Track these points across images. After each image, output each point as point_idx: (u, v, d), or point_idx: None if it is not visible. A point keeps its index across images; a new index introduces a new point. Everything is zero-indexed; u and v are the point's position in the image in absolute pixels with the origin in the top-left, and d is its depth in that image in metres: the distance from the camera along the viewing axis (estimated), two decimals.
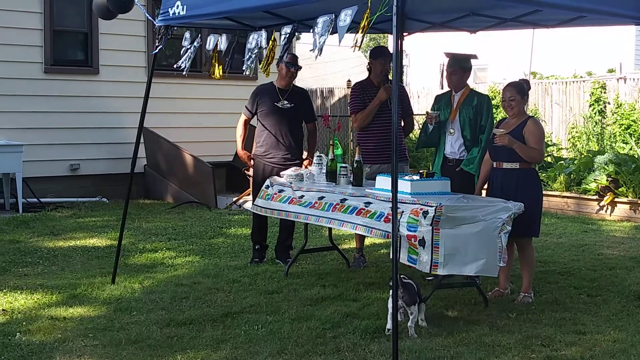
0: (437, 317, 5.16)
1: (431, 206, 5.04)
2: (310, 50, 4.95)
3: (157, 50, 6.11)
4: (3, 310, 5.32)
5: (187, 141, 11.33)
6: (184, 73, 6.06)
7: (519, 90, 5.79)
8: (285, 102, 6.81)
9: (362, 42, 4.65)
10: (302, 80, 23.76)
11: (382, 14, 4.31)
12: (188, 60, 6.12)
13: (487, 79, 17.89)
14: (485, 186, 6.04)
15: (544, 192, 10.65)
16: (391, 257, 4.38)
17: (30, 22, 10.61)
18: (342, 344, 4.58)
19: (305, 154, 7.12)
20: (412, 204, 5.19)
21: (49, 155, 10.82)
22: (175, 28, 6.05)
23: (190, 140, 11.42)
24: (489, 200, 5.52)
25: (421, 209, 5.09)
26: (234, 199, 10.65)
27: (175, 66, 6.11)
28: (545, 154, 12.34)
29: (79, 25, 11.16)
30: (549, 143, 13.22)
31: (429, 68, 19.97)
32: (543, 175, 11.23)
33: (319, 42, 4.80)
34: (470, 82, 6.61)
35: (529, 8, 5.83)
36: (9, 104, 10.46)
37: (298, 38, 16.10)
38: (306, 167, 6.75)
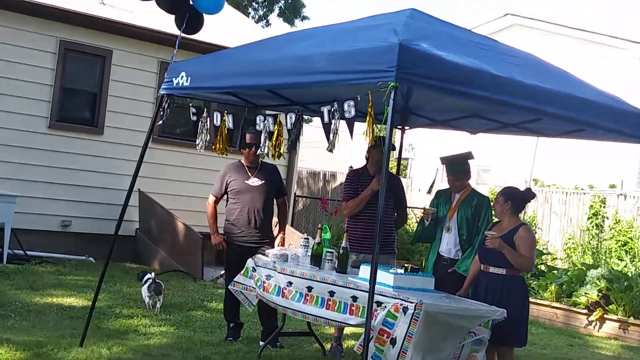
0: None
1: (411, 302, 4.93)
2: (328, 149, 4.92)
3: (162, 121, 6.10)
4: None
5: (182, 209, 11.30)
6: (200, 150, 6.13)
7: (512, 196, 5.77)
8: (256, 179, 6.74)
9: (372, 134, 4.62)
10: (310, 162, 23.83)
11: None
12: (203, 140, 6.11)
13: (489, 181, 17.92)
14: None
15: (533, 300, 10.64)
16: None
17: (42, 77, 10.73)
18: None
19: (275, 231, 6.98)
20: (394, 298, 5.09)
21: (42, 209, 10.77)
22: (178, 100, 6.10)
23: (185, 208, 11.39)
24: (471, 303, 5.41)
25: (401, 305, 4.98)
26: (222, 272, 10.49)
27: (197, 148, 6.13)
28: (536, 263, 12.21)
29: (89, 85, 11.28)
30: (544, 251, 13.12)
31: (433, 162, 19.97)
32: (534, 283, 11.10)
33: (331, 138, 4.79)
34: (472, 182, 6.58)
35: (532, 115, 5.86)
36: (8, 154, 10.49)
37: (309, 121, 15.88)
38: (279, 244, 6.65)
